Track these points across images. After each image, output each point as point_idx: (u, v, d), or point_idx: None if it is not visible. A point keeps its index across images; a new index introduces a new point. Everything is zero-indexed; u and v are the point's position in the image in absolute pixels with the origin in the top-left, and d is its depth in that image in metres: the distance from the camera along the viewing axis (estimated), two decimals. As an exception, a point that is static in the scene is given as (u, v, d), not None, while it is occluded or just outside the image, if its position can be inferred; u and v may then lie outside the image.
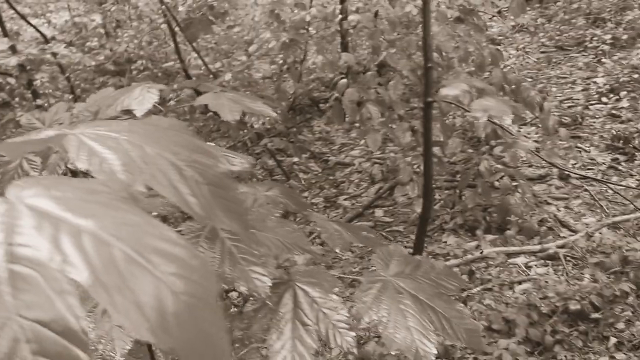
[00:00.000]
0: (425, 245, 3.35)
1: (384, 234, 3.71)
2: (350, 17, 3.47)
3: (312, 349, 1.11)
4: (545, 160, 2.98)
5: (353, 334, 1.14)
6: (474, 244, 3.32)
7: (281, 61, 5.12)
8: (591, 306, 2.54)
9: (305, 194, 4.31)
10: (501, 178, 3.35)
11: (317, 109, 5.58)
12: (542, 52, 6.05)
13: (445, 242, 3.40)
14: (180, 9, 3.61)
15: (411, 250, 2.70)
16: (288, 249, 1.06)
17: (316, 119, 5.52)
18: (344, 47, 4.79)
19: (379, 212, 3.96)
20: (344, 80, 3.28)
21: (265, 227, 1.08)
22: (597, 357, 2.42)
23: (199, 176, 0.44)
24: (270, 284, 1.01)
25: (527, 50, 6.15)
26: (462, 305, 1.25)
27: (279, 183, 1.44)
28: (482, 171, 3.37)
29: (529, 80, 5.41)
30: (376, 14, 4.18)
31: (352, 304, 1.22)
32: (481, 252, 3.15)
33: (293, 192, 1.40)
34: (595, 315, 2.55)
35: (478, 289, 2.89)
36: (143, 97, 1.45)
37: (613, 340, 2.46)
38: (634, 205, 3.29)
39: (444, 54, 3.96)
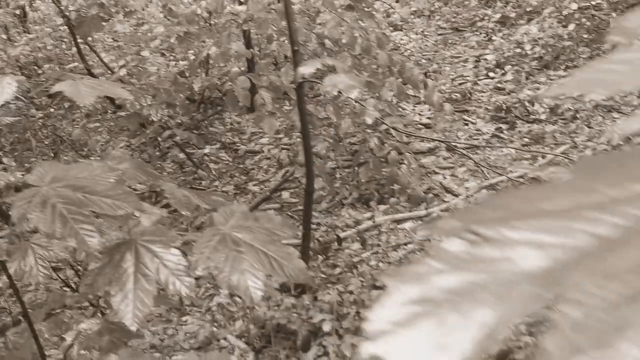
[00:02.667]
0: (322, 219, 3.57)
1: (289, 213, 3.91)
2: (238, 8, 3.62)
3: (152, 294, 1.27)
4: (411, 134, 3.26)
5: (190, 279, 1.31)
6: (368, 214, 3.56)
7: (193, 56, 5.21)
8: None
9: (216, 183, 4.45)
10: (389, 153, 3.61)
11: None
12: (440, 35, 6.42)
13: (344, 215, 3.63)
14: (71, 8, 3.64)
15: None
16: (119, 207, 1.22)
17: (228, 111, 5.65)
18: (247, 38, 4.93)
19: (285, 194, 4.14)
20: (236, 69, 3.43)
21: (97, 191, 1.22)
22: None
23: None
24: (99, 239, 1.16)
25: (426, 33, 6.50)
26: (292, 248, 1.45)
27: (132, 157, 1.58)
28: (373, 147, 3.62)
29: (426, 61, 5.74)
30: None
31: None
32: (373, 222, 3.39)
33: (144, 164, 1.55)
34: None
35: (368, 253, 3.13)
36: (2, 89, 1.56)
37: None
38: (505, 177, 3.63)
39: (342, 41, 4.18)
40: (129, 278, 1.30)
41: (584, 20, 5.29)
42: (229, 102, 3.46)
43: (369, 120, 2.76)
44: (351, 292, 2.70)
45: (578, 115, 4.16)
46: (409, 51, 6.12)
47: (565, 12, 5.46)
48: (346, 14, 4.17)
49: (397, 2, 6.64)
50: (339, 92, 2.01)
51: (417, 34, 6.53)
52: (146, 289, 1.29)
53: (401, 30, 6.70)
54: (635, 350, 0.25)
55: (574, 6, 5.37)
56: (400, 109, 4.94)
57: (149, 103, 3.61)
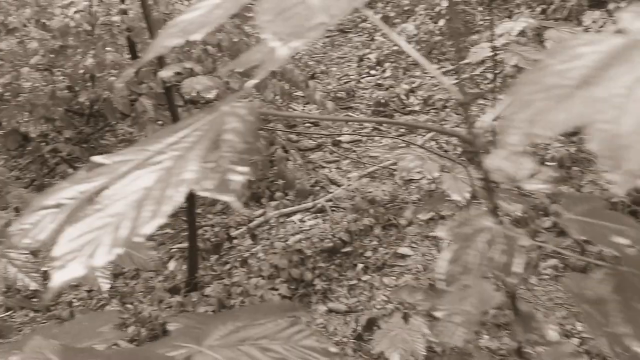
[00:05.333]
0: (216, 219, 3.67)
1: (184, 218, 3.96)
2: (113, 19, 3.64)
3: (-1, 293, 1.33)
4: (299, 133, 3.45)
5: (37, 275, 1.38)
6: (260, 211, 3.69)
7: (82, 70, 5.10)
8: (341, 242, 3.03)
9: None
10: (275, 151, 3.77)
11: (120, 113, 5.63)
12: (327, 37, 6.68)
13: (237, 214, 3.73)
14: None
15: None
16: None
17: (120, 123, 5.59)
18: (132, 48, 4.91)
19: (179, 200, 4.19)
20: (112, 78, 3.45)
21: None
22: (349, 281, 2.90)
23: None
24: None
25: (314, 36, 6.75)
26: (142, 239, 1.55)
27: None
28: (260, 147, 3.76)
29: (314, 63, 5.98)
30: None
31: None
32: (264, 217, 3.53)
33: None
34: (347, 249, 3.04)
35: (258, 247, 3.27)
36: None
37: (360, 266, 2.96)
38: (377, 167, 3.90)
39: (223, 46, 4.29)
40: (-24, 279, 1.35)
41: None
42: (107, 111, 3.48)
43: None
44: (238, 285, 2.82)
45: (447, 105, 4.52)
46: (299, 54, 6.33)
47: (437, 10, 5.88)
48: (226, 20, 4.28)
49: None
50: (197, 92, 2.13)
51: (305, 37, 6.75)
52: (-6, 287, 1.35)
53: (291, 34, 6.90)
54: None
55: (445, 3, 5.80)
56: (290, 109, 5.13)
57: (26, 119, 3.55)
